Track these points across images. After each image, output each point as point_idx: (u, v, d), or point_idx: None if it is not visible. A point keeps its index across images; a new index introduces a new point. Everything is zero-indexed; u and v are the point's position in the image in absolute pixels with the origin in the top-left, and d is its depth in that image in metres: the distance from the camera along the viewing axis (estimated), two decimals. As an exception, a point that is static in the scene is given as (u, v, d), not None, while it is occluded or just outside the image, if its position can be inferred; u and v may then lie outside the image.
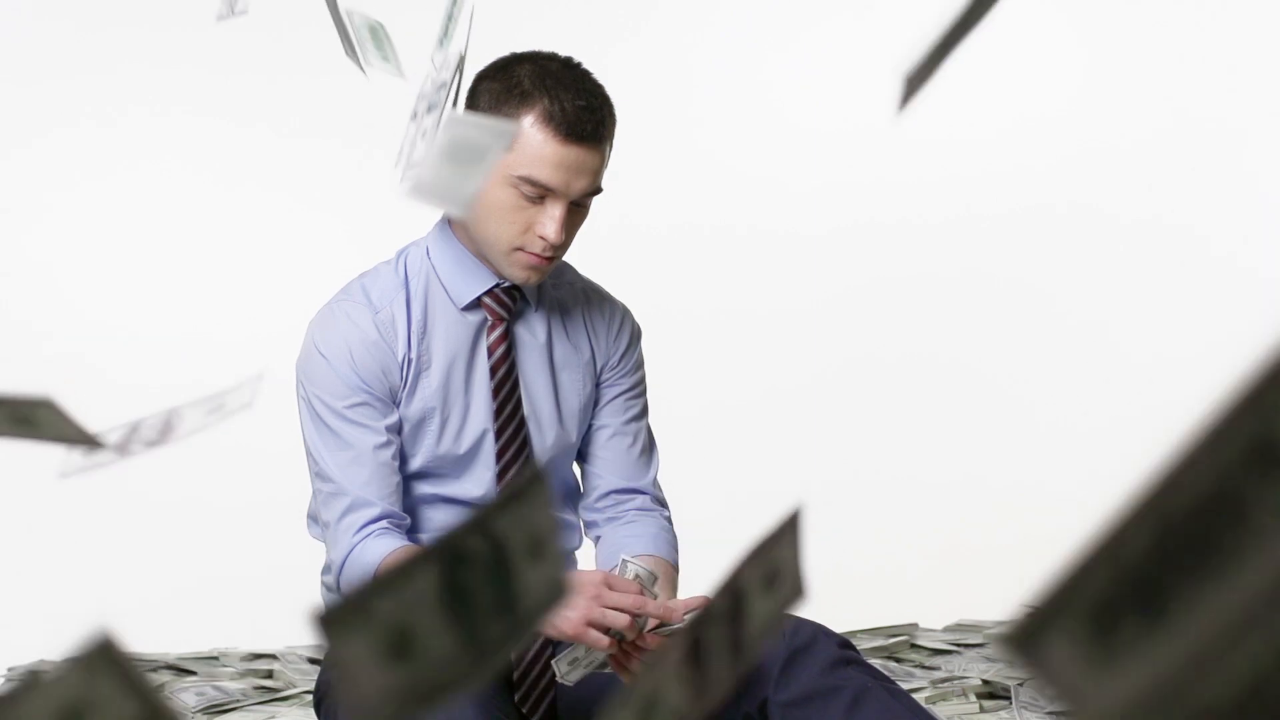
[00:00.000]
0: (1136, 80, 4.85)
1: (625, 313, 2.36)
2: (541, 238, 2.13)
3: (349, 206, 4.63)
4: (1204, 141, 4.77)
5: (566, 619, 2.00)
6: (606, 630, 2.00)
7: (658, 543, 2.27)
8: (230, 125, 4.78)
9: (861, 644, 3.37)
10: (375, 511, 2.15)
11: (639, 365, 2.36)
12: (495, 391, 2.22)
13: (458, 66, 2.04)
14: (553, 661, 2.08)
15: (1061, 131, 4.80)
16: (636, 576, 2.08)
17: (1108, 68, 4.85)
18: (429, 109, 1.99)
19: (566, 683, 2.07)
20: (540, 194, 2.11)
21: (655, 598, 2.09)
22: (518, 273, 2.18)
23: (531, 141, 2.10)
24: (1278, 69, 4.81)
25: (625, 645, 2.03)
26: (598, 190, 2.16)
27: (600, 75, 2.18)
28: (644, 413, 2.36)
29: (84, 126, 4.80)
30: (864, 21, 4.92)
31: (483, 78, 2.18)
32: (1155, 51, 4.83)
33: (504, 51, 2.20)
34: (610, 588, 2.01)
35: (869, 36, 4.89)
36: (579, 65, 2.17)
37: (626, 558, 2.12)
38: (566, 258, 2.29)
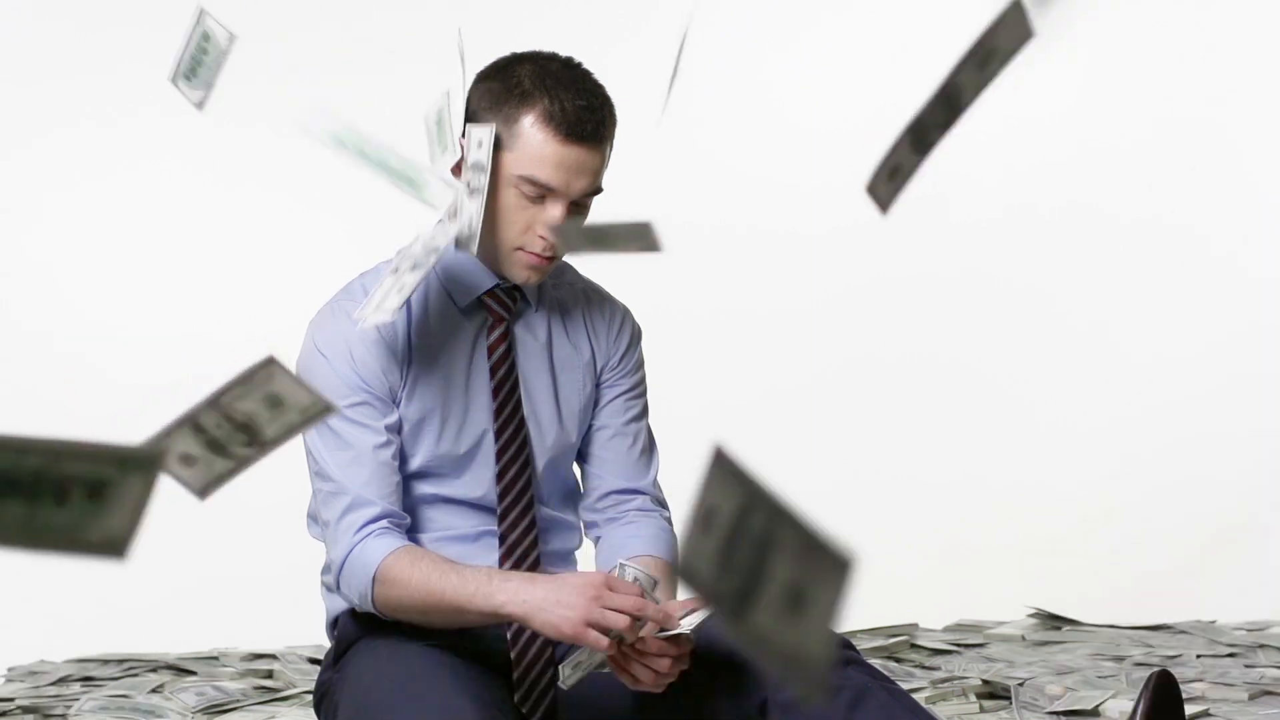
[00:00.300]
0: (1136, 80, 4.84)
1: (625, 313, 2.36)
2: (542, 237, 2.13)
3: (349, 206, 4.63)
4: (1204, 141, 4.77)
5: (566, 619, 2.00)
6: (606, 631, 2.00)
7: (658, 543, 2.27)
8: (230, 125, 4.78)
9: (861, 644, 3.37)
10: (375, 511, 2.15)
11: (639, 366, 2.36)
12: (495, 391, 2.22)
13: (454, 240, 2.05)
14: (558, 666, 2.08)
15: (1061, 132, 4.80)
16: (636, 580, 2.08)
17: (1108, 68, 4.85)
18: (413, 268, 1.97)
19: (564, 686, 2.07)
20: (541, 194, 2.12)
21: (657, 603, 2.09)
22: (518, 272, 2.18)
23: (532, 141, 2.11)
24: (1277, 69, 4.81)
25: (624, 648, 2.03)
26: (598, 190, 2.16)
27: (600, 75, 2.18)
28: (644, 413, 2.36)
29: (84, 126, 4.80)
30: (865, 21, 4.91)
31: (483, 77, 2.18)
32: (1155, 52, 4.83)
33: (504, 51, 2.20)
34: (611, 589, 2.01)
35: (869, 36, 4.89)
36: (579, 65, 2.17)
37: (625, 561, 2.12)
38: (567, 258, 2.29)
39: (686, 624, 2.02)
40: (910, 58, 4.85)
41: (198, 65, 2.06)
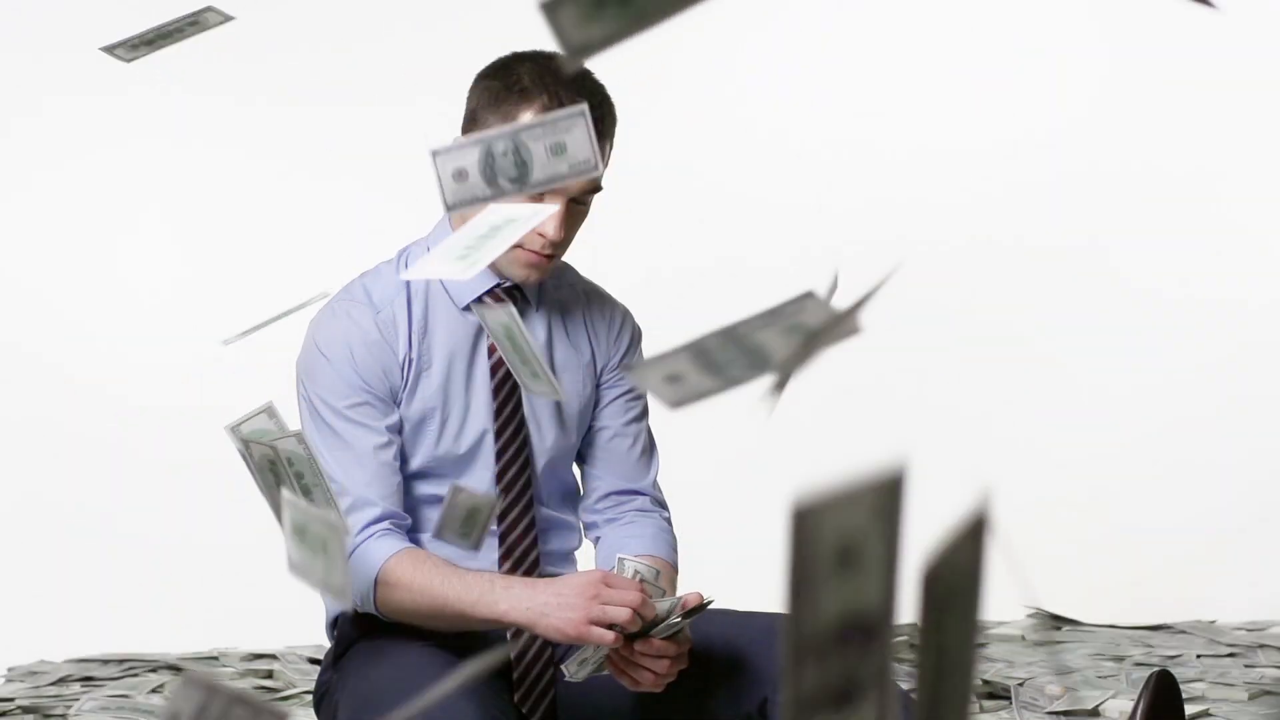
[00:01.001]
0: (1141, 95, 4.85)
1: (626, 314, 2.36)
2: (540, 235, 2.12)
3: (350, 205, 4.63)
4: (1202, 149, 4.77)
5: (569, 620, 2.00)
6: (610, 626, 2.00)
7: (657, 544, 2.27)
8: (231, 122, 4.78)
9: (861, 644, 3.37)
10: (376, 512, 2.15)
11: (640, 367, 2.36)
12: (495, 391, 2.22)
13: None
14: (561, 665, 2.08)
15: (1062, 148, 4.80)
16: (636, 573, 2.08)
17: (1108, 84, 4.85)
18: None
19: (576, 680, 2.07)
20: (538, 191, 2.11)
21: (662, 592, 2.09)
22: (517, 271, 2.18)
23: (530, 139, 2.11)
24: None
25: (624, 650, 2.04)
26: (597, 189, 2.16)
27: (603, 75, 2.18)
28: (644, 414, 2.35)
29: (80, 106, 4.80)
30: (872, 25, 4.92)
31: (483, 76, 2.18)
32: (1161, 64, 4.84)
33: (503, 52, 2.21)
34: (609, 585, 2.01)
35: (874, 41, 4.89)
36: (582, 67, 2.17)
37: (624, 556, 2.12)
38: (569, 259, 2.29)
39: (662, 606, 2.02)
40: (899, 67, 4.85)
41: (164, 37, 1.98)
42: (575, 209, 2.15)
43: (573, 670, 2.06)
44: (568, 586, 2.04)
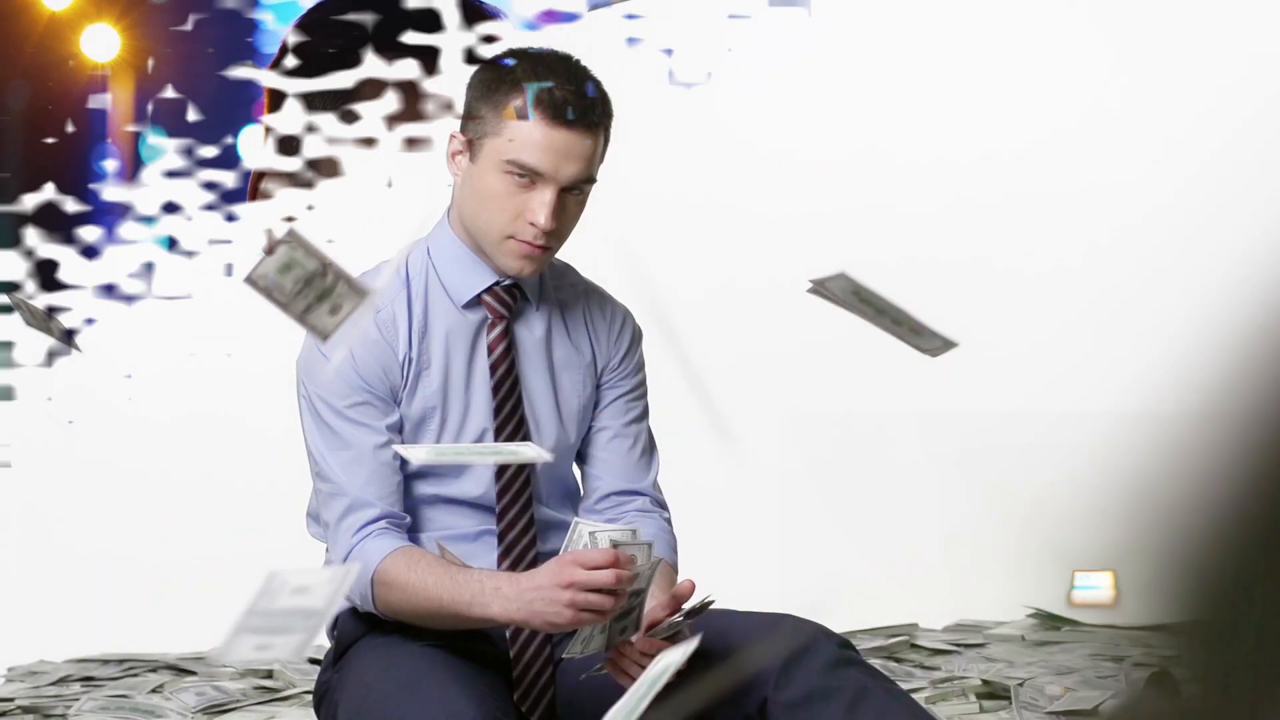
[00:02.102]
0: (1139, 94, 4.85)
1: (626, 314, 2.36)
2: (532, 224, 2.13)
3: (351, 204, 4.63)
4: (1199, 160, 4.77)
5: (558, 614, 2.00)
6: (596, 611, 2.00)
7: (657, 544, 2.27)
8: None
9: (861, 644, 3.37)
10: (375, 512, 2.15)
11: (640, 367, 2.35)
12: (495, 390, 2.22)
13: None
14: (564, 656, 2.08)
15: (1052, 162, 4.80)
16: (612, 543, 2.05)
17: (1105, 92, 4.85)
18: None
19: (590, 653, 2.05)
20: (530, 179, 2.12)
21: (649, 545, 2.05)
22: (512, 263, 2.17)
23: (521, 126, 2.11)
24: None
25: (625, 650, 2.04)
26: (591, 179, 2.16)
27: (601, 72, 2.19)
28: (645, 414, 2.35)
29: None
30: (870, 37, 4.91)
31: (480, 69, 2.20)
32: (1158, 74, 4.84)
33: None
34: (582, 565, 1.99)
35: (876, 46, 4.89)
36: (577, 60, 2.19)
37: (595, 531, 2.08)
38: (570, 260, 2.29)
39: (643, 570, 2.01)
40: (896, 78, 4.85)
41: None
42: (567, 198, 2.15)
43: (578, 650, 2.04)
44: (543, 579, 2.02)
